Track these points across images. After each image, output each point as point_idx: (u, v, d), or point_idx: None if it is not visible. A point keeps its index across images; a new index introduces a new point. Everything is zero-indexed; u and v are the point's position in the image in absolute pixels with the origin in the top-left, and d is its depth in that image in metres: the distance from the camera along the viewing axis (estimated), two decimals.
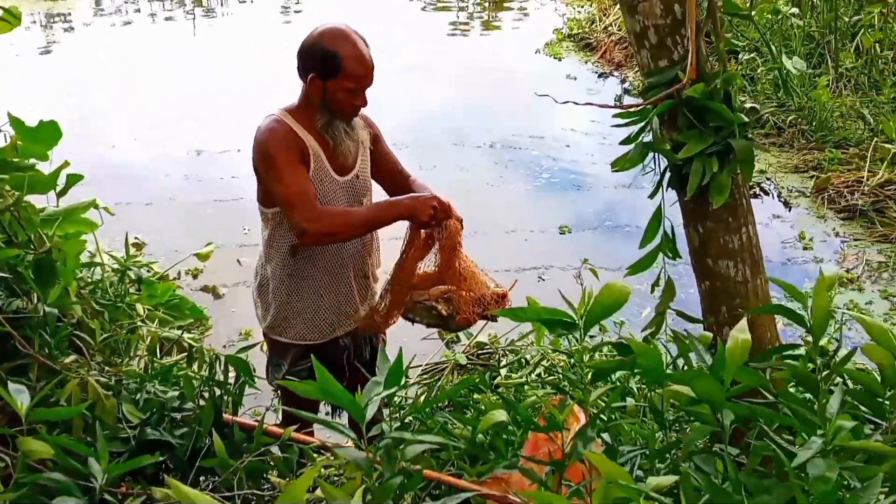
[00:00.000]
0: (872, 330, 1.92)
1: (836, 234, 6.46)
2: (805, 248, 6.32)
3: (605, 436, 2.66)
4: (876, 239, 6.33)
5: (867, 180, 6.80)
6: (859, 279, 5.84)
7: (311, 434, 3.15)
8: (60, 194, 3.02)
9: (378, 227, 3.23)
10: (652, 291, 2.71)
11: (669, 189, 2.55)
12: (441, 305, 3.18)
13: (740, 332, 1.79)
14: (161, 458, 2.28)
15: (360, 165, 3.27)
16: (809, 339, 1.95)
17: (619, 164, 2.52)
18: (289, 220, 3.09)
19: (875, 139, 7.20)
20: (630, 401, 2.90)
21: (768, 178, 7.27)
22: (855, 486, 1.63)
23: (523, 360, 4.51)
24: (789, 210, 6.86)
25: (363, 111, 3.21)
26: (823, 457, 1.60)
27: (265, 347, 3.56)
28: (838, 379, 2.46)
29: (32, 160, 2.97)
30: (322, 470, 3.16)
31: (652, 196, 2.54)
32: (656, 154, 2.53)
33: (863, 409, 1.97)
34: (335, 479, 3.09)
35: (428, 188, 3.36)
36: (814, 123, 7.72)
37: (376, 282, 3.47)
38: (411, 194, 3.19)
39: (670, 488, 1.65)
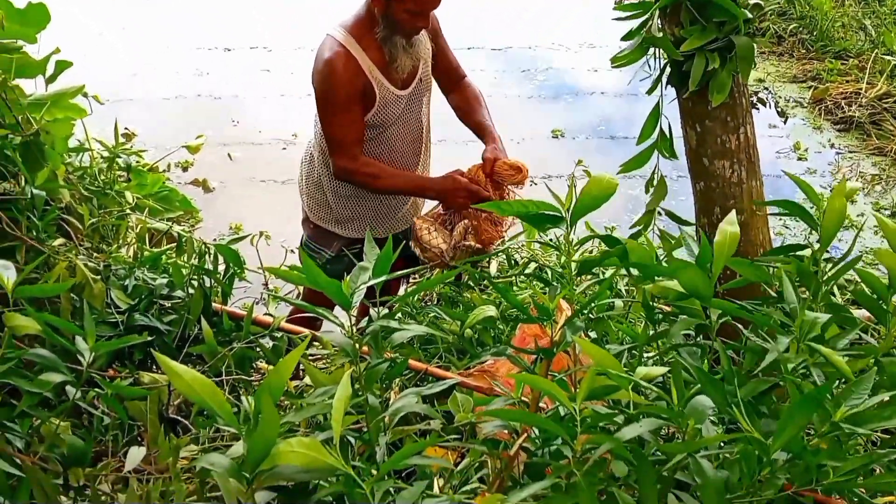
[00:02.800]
0: (890, 234, 1.89)
1: (832, 146, 6.42)
2: (800, 159, 6.28)
3: (593, 334, 2.67)
4: (871, 151, 6.29)
5: (865, 92, 6.73)
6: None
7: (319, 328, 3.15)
8: (50, 80, 2.97)
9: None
10: (647, 191, 2.69)
11: (668, 88, 2.51)
12: (471, 239, 3.26)
13: (730, 225, 1.77)
14: (149, 340, 2.28)
15: (421, 72, 3.27)
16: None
17: (619, 60, 2.48)
18: (329, 156, 3.20)
19: (875, 51, 7.11)
20: (618, 302, 2.90)
21: (766, 88, 7.18)
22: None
23: (512, 261, 4.50)
24: (785, 121, 6.80)
25: None
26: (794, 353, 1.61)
27: (260, 240, 3.50)
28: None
29: (20, 42, 2.91)
30: (314, 364, 3.19)
31: (650, 92, 2.49)
32: (656, 53, 2.48)
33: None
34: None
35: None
36: (814, 33, 7.61)
37: None
38: (446, 181, 3.23)
39: (659, 379, 1.65)
